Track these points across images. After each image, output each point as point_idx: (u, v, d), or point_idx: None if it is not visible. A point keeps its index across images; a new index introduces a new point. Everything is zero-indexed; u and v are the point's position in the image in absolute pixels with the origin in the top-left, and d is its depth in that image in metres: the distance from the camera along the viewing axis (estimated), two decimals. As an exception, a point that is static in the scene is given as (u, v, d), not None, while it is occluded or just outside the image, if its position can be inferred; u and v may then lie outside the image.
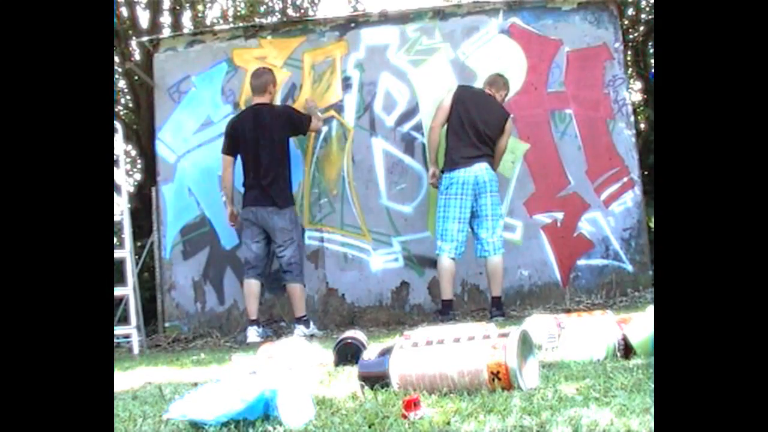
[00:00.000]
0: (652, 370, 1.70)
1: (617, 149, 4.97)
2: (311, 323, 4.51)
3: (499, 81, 4.61)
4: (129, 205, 4.90)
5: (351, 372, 2.19)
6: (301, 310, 4.48)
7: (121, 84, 7.87)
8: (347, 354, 2.47)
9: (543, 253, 4.91)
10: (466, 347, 1.70)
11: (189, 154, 5.10)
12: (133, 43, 7.51)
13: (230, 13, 8.83)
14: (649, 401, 1.38)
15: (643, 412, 1.29)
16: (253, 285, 4.51)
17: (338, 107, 5.05)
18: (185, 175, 5.10)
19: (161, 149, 5.15)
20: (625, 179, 4.95)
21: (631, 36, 7.13)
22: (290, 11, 8.59)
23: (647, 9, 7.10)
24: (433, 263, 4.83)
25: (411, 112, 5.03)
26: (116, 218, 4.53)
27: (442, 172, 4.45)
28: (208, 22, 8.52)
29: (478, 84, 4.78)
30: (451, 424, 1.34)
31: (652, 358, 1.89)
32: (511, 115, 4.56)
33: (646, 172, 5.54)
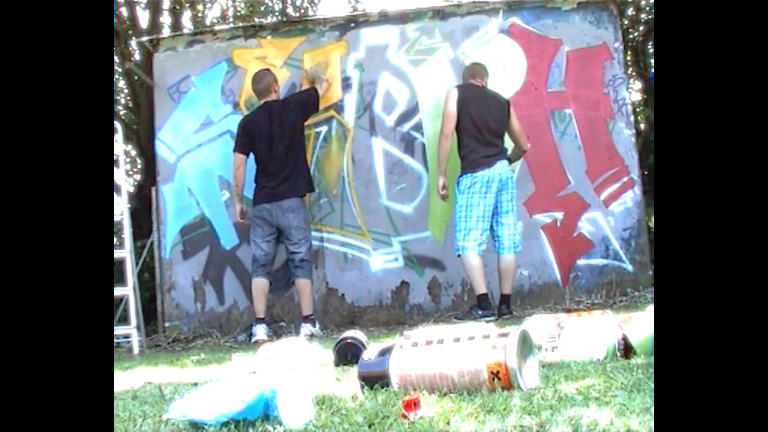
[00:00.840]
0: (652, 370, 1.70)
1: (617, 149, 4.97)
2: (317, 323, 4.51)
3: (480, 70, 4.60)
4: (129, 205, 4.90)
5: (351, 372, 2.19)
6: (309, 308, 4.49)
7: (121, 84, 7.87)
8: (347, 354, 2.47)
9: (543, 252, 4.91)
10: (465, 347, 1.70)
11: (189, 154, 5.10)
12: (133, 43, 7.51)
13: (230, 13, 8.83)
14: (649, 401, 1.38)
15: (643, 412, 1.29)
16: (262, 283, 4.52)
17: (338, 107, 5.05)
18: (185, 175, 5.10)
19: (161, 149, 5.15)
20: (625, 179, 4.95)
21: (630, 36, 7.12)
22: (290, 11, 8.59)
23: (647, 9, 7.09)
24: (433, 263, 4.83)
25: (411, 112, 5.03)
26: (116, 218, 4.53)
27: (462, 174, 4.42)
28: (207, 22, 8.53)
29: (458, 79, 4.79)
30: (451, 424, 1.34)
31: (652, 358, 1.89)
32: (509, 101, 4.58)
33: (645, 172, 5.54)
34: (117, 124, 4.60)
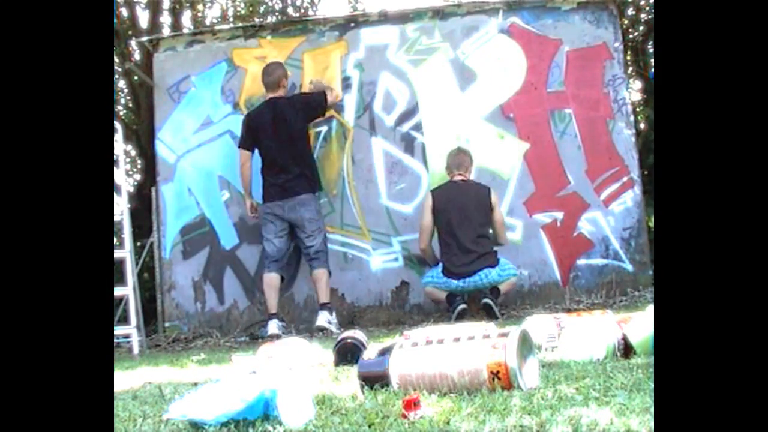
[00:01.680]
0: (651, 370, 1.70)
1: (617, 149, 4.97)
2: (333, 312, 4.51)
3: (465, 159, 4.58)
4: (129, 205, 4.90)
5: (351, 372, 2.19)
6: (326, 297, 4.50)
7: (121, 84, 7.87)
8: (347, 354, 2.46)
9: (543, 252, 4.91)
10: (465, 347, 1.70)
11: (189, 154, 5.11)
12: (133, 43, 7.51)
13: (230, 13, 8.83)
14: (649, 401, 1.38)
15: (642, 412, 1.29)
16: (274, 278, 4.54)
17: (338, 107, 5.05)
18: (185, 175, 5.10)
19: (161, 149, 5.16)
20: (625, 179, 4.95)
21: (630, 36, 7.12)
22: (290, 11, 8.58)
23: (647, 9, 7.09)
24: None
25: (411, 111, 5.03)
26: (116, 218, 4.53)
27: (436, 266, 4.52)
28: (207, 22, 8.52)
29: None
30: (451, 423, 1.34)
31: (652, 358, 1.89)
32: (491, 189, 4.55)
33: (645, 172, 5.54)
34: (117, 124, 4.60)
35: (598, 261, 4.91)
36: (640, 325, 2.12)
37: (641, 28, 7.25)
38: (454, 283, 4.36)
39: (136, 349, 4.33)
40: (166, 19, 8.07)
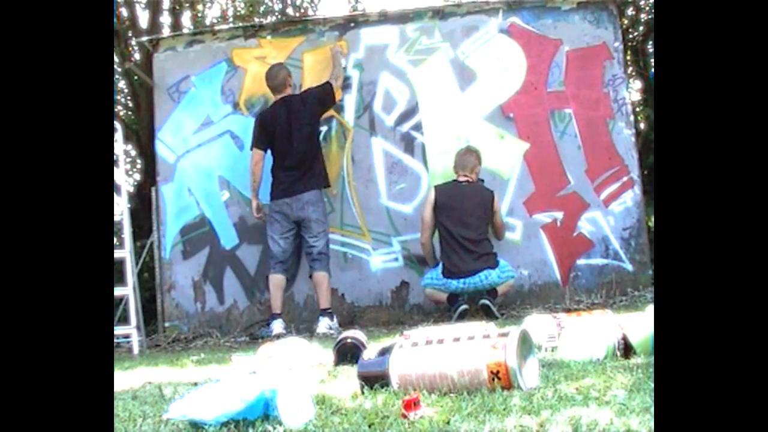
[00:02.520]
0: (651, 370, 1.70)
1: (617, 148, 4.97)
2: (334, 317, 4.51)
3: (470, 160, 4.57)
4: (129, 205, 4.90)
5: (351, 372, 2.19)
6: (327, 302, 4.50)
7: (121, 84, 7.87)
8: (347, 354, 2.46)
9: (543, 252, 4.91)
10: (465, 347, 1.70)
11: (189, 154, 5.10)
12: (133, 43, 7.51)
13: (230, 12, 8.83)
14: (649, 400, 1.38)
15: (642, 412, 1.29)
16: (280, 279, 4.55)
17: (338, 107, 5.04)
18: (185, 175, 5.09)
19: (161, 149, 5.15)
20: (625, 178, 4.95)
21: (630, 36, 7.12)
22: (290, 11, 8.59)
23: (647, 9, 7.09)
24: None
25: (411, 111, 5.03)
26: (116, 218, 4.53)
27: (435, 267, 4.52)
28: (207, 22, 8.52)
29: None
30: (450, 423, 1.34)
31: (652, 358, 1.89)
32: (494, 193, 4.56)
33: (645, 172, 5.54)
34: (117, 124, 4.60)
35: (598, 261, 4.91)
36: (639, 324, 2.12)
37: (641, 28, 7.25)
38: (454, 283, 4.36)
39: (136, 349, 4.32)
40: (166, 19, 8.08)
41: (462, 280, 4.34)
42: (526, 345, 1.74)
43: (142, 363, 3.50)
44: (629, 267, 4.89)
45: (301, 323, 4.81)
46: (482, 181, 4.66)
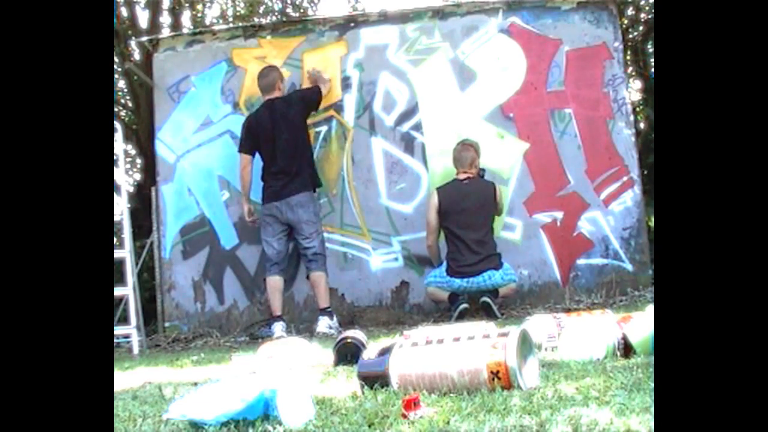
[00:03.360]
0: (651, 369, 1.70)
1: (617, 148, 4.97)
2: (334, 316, 4.50)
3: (467, 155, 4.55)
4: (129, 205, 4.90)
5: (351, 372, 2.19)
6: (326, 301, 4.49)
7: (121, 84, 7.87)
8: (347, 354, 2.47)
9: (543, 252, 4.91)
10: (465, 347, 1.70)
11: (189, 154, 5.10)
12: (133, 43, 7.51)
13: (229, 12, 8.83)
14: (649, 400, 1.38)
15: (642, 411, 1.29)
16: (277, 281, 4.53)
17: (338, 107, 5.05)
18: (185, 175, 5.09)
19: (161, 149, 5.15)
20: (625, 178, 4.95)
21: (630, 35, 7.12)
22: (290, 11, 8.59)
23: (647, 9, 7.09)
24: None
25: (410, 111, 5.03)
26: (116, 218, 4.53)
27: (439, 266, 4.52)
28: (207, 21, 8.53)
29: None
30: (450, 423, 1.34)
31: (652, 357, 1.89)
32: (495, 185, 4.56)
33: (645, 172, 5.53)
34: (117, 124, 4.60)
35: (598, 261, 4.91)
36: (639, 324, 2.12)
37: (641, 27, 7.25)
38: (457, 282, 4.36)
39: (136, 349, 4.32)
40: (165, 19, 8.08)
41: (466, 280, 4.34)
42: (526, 345, 1.74)
43: (142, 363, 3.50)
44: (629, 267, 4.89)
45: (301, 323, 4.81)
46: (483, 171, 4.64)
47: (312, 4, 8.76)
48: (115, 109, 7.64)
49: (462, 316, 4.24)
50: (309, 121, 4.82)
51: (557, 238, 4.90)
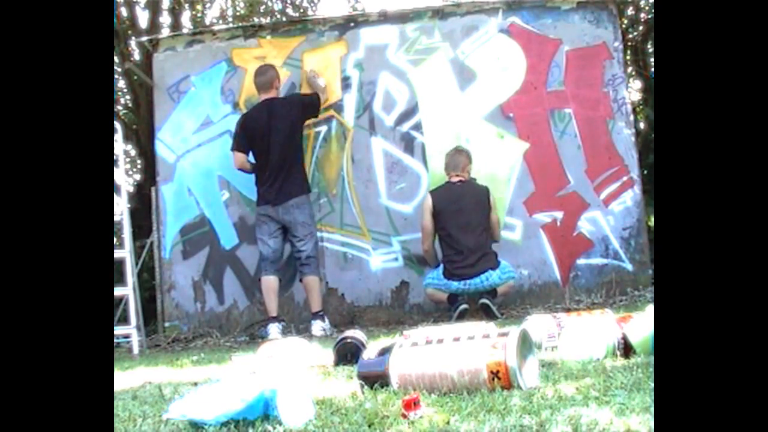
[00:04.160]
0: (651, 369, 1.70)
1: (617, 148, 4.97)
2: (326, 318, 4.49)
3: (461, 159, 4.56)
4: (129, 205, 4.90)
5: (351, 372, 2.19)
6: (319, 305, 4.47)
7: (121, 84, 7.87)
8: (347, 354, 2.47)
9: (543, 252, 4.91)
10: (465, 346, 1.70)
11: (188, 153, 5.10)
12: (133, 43, 7.52)
13: (229, 12, 8.83)
14: (649, 400, 1.38)
15: (642, 411, 1.29)
16: (272, 281, 4.49)
17: (338, 107, 5.05)
18: (185, 175, 5.09)
19: (161, 149, 5.15)
20: (625, 178, 4.95)
21: (630, 35, 7.12)
22: (289, 11, 8.59)
23: (646, 8, 7.09)
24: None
25: (410, 111, 5.03)
26: (116, 218, 4.53)
27: (437, 268, 4.51)
28: (207, 21, 8.53)
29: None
30: (450, 423, 1.34)
31: (652, 357, 1.89)
32: (488, 189, 4.55)
33: (645, 171, 5.54)
34: (117, 124, 4.60)
35: (598, 260, 4.91)
36: (639, 324, 2.12)
37: (641, 27, 7.25)
38: (455, 284, 4.36)
39: (135, 349, 4.32)
40: (165, 19, 8.09)
41: (463, 282, 4.34)
42: (526, 345, 1.74)
43: (142, 363, 3.50)
44: (629, 267, 4.89)
45: (301, 323, 4.81)
46: (474, 180, 4.66)
47: (312, 4, 8.76)
48: (115, 109, 7.64)
49: (462, 317, 4.24)
50: (309, 121, 4.82)
51: (557, 238, 4.90)
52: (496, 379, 1.62)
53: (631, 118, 5.10)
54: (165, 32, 7.28)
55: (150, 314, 5.34)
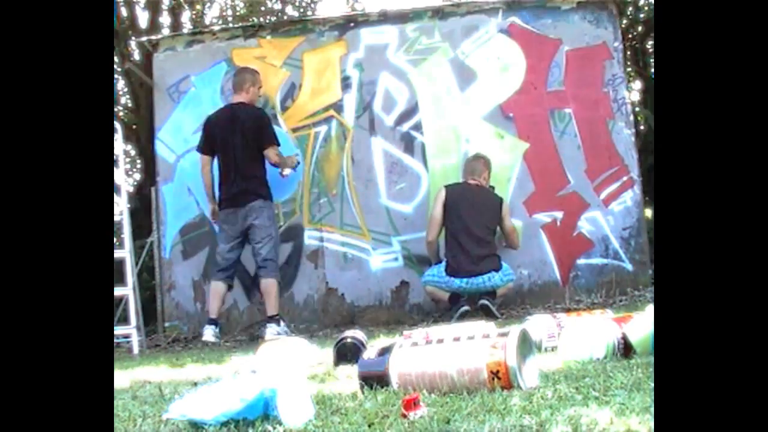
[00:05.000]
0: (651, 369, 1.70)
1: (617, 148, 4.97)
2: (282, 322, 4.43)
3: (480, 166, 4.58)
4: (129, 205, 4.90)
5: (351, 372, 2.19)
6: (274, 309, 4.40)
7: (121, 84, 7.88)
8: (347, 354, 2.46)
9: (543, 252, 4.91)
10: (465, 346, 1.70)
11: (188, 153, 5.10)
12: (133, 43, 7.52)
13: (229, 12, 8.84)
14: (649, 400, 1.38)
15: (642, 411, 1.29)
16: (219, 287, 4.46)
17: (338, 107, 5.05)
18: (185, 175, 5.09)
19: (161, 149, 5.16)
20: (625, 178, 4.95)
21: (630, 35, 7.13)
22: (289, 11, 8.59)
23: (646, 8, 7.10)
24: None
25: (410, 111, 5.03)
26: (116, 218, 4.53)
27: (438, 264, 4.51)
28: (207, 21, 8.53)
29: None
30: (450, 423, 1.34)
31: (652, 357, 1.89)
32: (503, 200, 4.57)
33: (645, 171, 5.53)
34: (117, 124, 4.60)
35: (598, 260, 4.91)
36: (639, 324, 2.11)
37: (641, 27, 7.26)
38: (457, 282, 4.36)
39: (135, 349, 4.32)
40: (165, 19, 8.10)
41: (465, 280, 4.33)
42: (526, 345, 1.74)
43: (142, 363, 3.50)
44: (629, 267, 4.89)
45: (302, 323, 4.81)
46: (493, 188, 4.66)
47: (312, 4, 8.76)
48: (115, 109, 7.64)
49: (462, 318, 4.24)
50: (309, 121, 4.82)
51: (557, 238, 4.90)
52: (496, 379, 1.62)
53: (631, 118, 5.11)
54: (165, 32, 7.29)
55: (150, 314, 5.34)
